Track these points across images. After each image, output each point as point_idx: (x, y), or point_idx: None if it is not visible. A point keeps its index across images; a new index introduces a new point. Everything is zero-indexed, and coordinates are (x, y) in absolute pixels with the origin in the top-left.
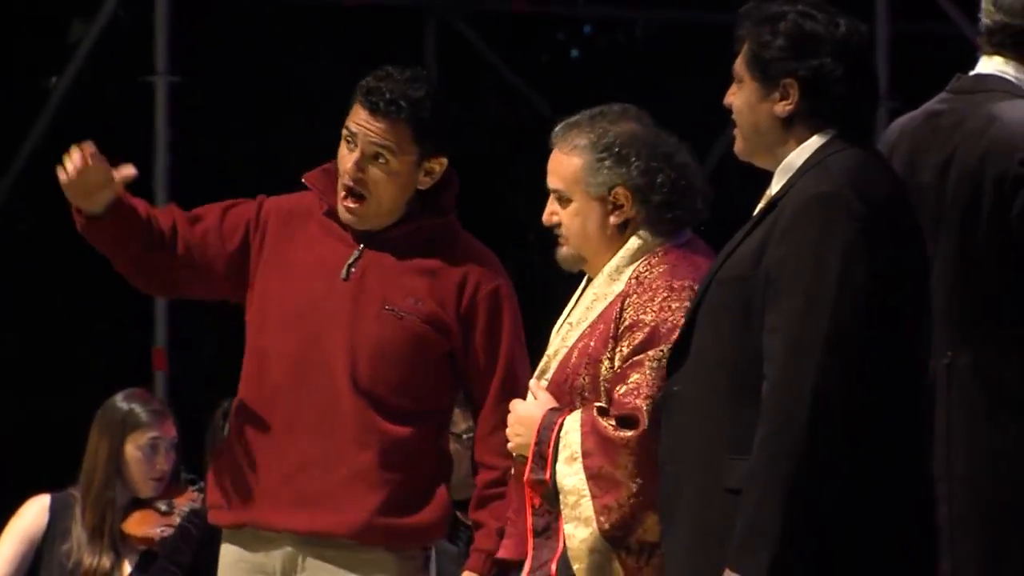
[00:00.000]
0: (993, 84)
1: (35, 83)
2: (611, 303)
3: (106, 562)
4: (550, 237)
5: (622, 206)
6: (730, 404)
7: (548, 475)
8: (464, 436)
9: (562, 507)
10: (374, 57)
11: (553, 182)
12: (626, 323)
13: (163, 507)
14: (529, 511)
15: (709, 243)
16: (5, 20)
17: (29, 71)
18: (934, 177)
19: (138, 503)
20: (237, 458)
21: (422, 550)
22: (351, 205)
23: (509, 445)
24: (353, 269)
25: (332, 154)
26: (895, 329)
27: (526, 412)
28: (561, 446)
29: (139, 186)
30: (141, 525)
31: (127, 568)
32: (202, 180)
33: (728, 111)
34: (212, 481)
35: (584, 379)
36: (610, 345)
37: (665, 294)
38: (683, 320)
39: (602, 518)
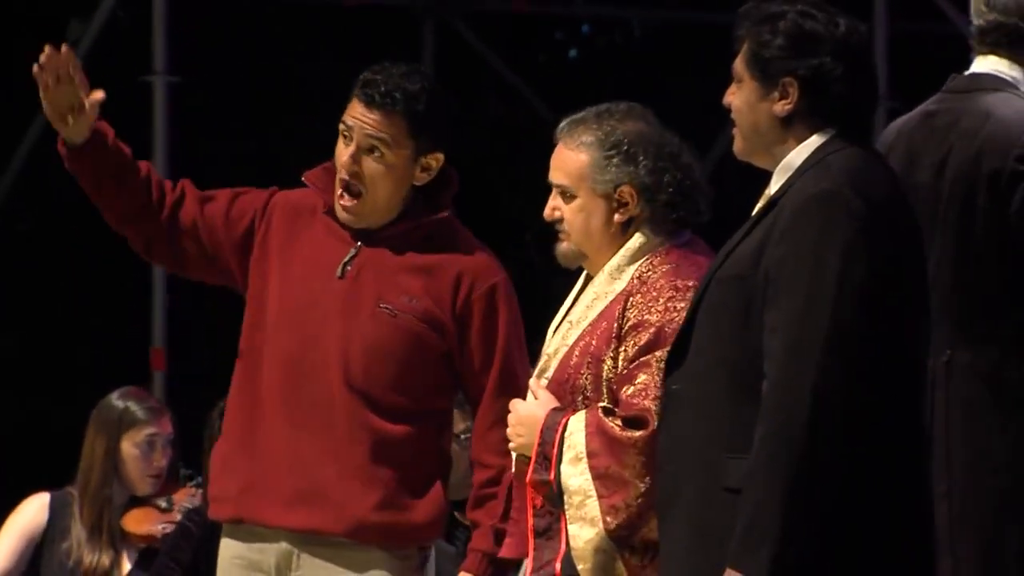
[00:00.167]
0: (989, 83)
1: (35, 83)
2: (613, 301)
3: (106, 560)
4: (549, 237)
5: (627, 204)
6: (729, 403)
7: (552, 476)
8: (462, 436)
9: (566, 507)
10: (374, 57)
11: (557, 177)
12: (630, 323)
13: (163, 504)
14: (530, 511)
15: (709, 243)
16: (4, 20)
17: (29, 71)
18: (931, 176)
19: (137, 500)
20: (233, 453)
21: (419, 550)
22: (347, 203)
23: (511, 445)
24: (348, 267)
25: (332, 154)
26: (895, 329)
27: (528, 412)
28: (565, 447)
29: None
30: (141, 523)
31: (127, 565)
32: (201, 180)
33: (727, 111)
34: (210, 475)
35: (586, 378)
36: (612, 344)
37: (670, 294)
38: None
39: (608, 518)
